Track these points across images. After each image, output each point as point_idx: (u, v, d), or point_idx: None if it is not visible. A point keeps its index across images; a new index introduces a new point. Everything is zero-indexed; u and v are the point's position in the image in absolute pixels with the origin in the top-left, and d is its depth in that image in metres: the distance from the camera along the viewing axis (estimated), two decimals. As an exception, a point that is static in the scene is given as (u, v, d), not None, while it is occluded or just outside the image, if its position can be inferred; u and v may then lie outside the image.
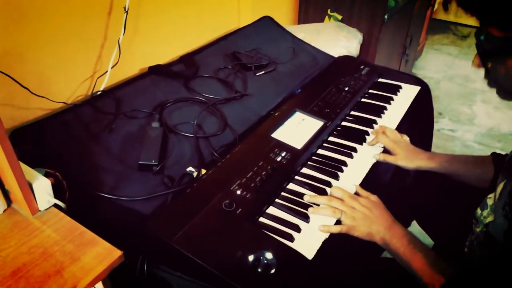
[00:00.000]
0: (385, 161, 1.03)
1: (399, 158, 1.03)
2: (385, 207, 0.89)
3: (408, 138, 1.11)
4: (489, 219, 0.78)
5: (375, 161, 1.04)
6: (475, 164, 1.00)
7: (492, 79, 0.74)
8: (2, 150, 0.64)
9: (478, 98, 2.74)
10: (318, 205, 0.88)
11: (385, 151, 1.06)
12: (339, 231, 0.84)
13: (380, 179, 0.98)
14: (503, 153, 0.99)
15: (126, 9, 1.11)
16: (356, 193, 0.92)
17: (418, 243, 0.80)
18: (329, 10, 1.89)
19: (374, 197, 0.90)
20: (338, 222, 0.86)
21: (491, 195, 0.81)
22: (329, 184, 0.94)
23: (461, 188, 1.01)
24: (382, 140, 1.06)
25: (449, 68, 3.11)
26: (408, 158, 1.02)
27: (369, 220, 0.84)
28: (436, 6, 3.23)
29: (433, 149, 1.57)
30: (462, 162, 1.01)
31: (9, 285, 0.62)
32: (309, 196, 0.90)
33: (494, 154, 1.00)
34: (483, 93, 2.79)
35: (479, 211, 0.82)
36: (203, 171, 0.94)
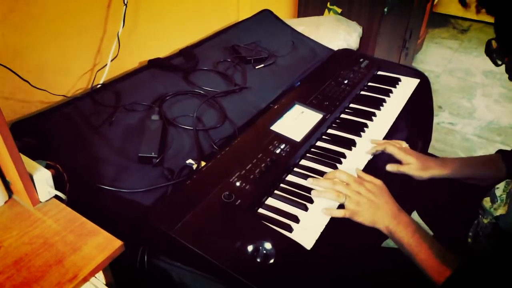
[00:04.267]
0: (399, 171, 0.99)
1: (413, 168, 0.98)
2: (390, 194, 0.87)
3: (407, 145, 1.07)
4: (500, 211, 0.76)
5: (374, 152, 1.04)
6: (487, 165, 0.97)
7: None
8: (4, 142, 0.64)
9: (478, 92, 2.74)
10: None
11: (393, 159, 1.02)
12: (342, 216, 0.83)
13: (379, 171, 0.98)
14: (508, 148, 0.99)
15: (125, 2, 1.11)
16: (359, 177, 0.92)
17: (423, 233, 0.78)
18: (328, 3, 1.88)
19: (378, 182, 0.88)
20: (341, 206, 0.85)
21: (500, 185, 0.80)
22: (328, 176, 0.95)
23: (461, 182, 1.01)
24: (390, 149, 1.01)
25: (449, 62, 3.10)
26: (422, 168, 0.97)
27: (374, 207, 0.83)
28: (436, 0, 3.22)
29: (433, 142, 1.57)
30: (474, 165, 0.98)
31: (12, 274, 0.63)
32: (312, 179, 0.89)
33: (501, 151, 0.98)
34: (483, 86, 2.79)
35: (487, 202, 0.81)
36: (203, 163, 0.94)
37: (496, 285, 0.67)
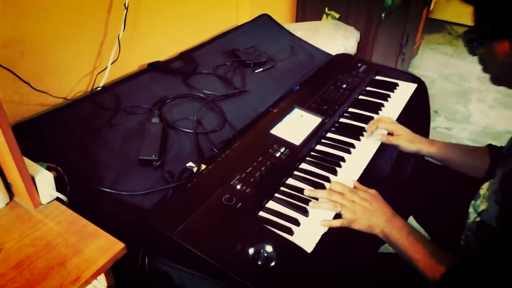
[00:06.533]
0: (388, 141, 1.06)
1: (401, 138, 1.05)
2: (384, 200, 0.90)
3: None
4: (482, 207, 0.79)
5: (372, 156, 1.05)
6: (472, 154, 1.02)
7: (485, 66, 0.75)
8: (6, 143, 0.64)
9: (474, 97, 2.77)
10: (318, 199, 0.89)
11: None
12: (340, 225, 0.85)
13: (377, 175, 1.00)
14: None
15: (126, 6, 1.12)
16: (355, 188, 0.93)
17: (417, 234, 0.82)
18: (326, 8, 1.90)
19: (372, 191, 0.91)
20: (338, 215, 0.87)
21: (484, 186, 0.83)
22: (327, 179, 0.96)
23: (458, 183, 1.02)
24: (382, 125, 1.09)
25: (444, 67, 3.13)
26: (410, 140, 1.05)
27: (369, 213, 0.85)
28: (432, 6, 3.25)
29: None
30: (460, 150, 1.04)
31: (14, 276, 0.63)
32: (309, 190, 0.91)
33: (490, 145, 1.01)
34: (478, 92, 2.82)
35: (473, 202, 0.84)
36: (203, 166, 0.95)
37: (488, 281, 0.69)
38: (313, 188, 0.92)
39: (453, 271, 0.73)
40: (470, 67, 3.09)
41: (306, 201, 0.89)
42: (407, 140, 1.05)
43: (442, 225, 1.09)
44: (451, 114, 2.60)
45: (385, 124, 1.09)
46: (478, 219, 0.80)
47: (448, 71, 3.08)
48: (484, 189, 0.83)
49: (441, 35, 3.64)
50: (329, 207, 0.87)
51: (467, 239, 0.84)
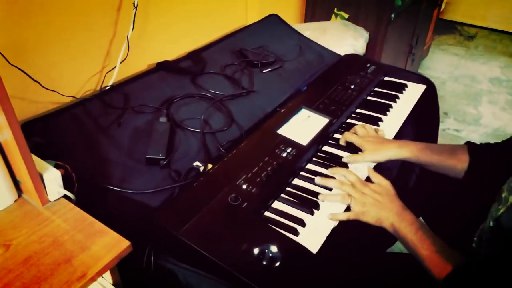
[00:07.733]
0: (355, 161, 1.00)
1: (366, 154, 0.99)
2: (396, 193, 0.89)
3: (382, 131, 1.09)
4: (502, 210, 0.78)
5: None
6: (449, 154, 0.97)
7: None
8: (15, 141, 0.65)
9: (484, 99, 2.74)
10: (329, 189, 0.89)
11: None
12: (347, 218, 0.84)
13: (385, 176, 0.99)
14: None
15: (135, 5, 1.12)
16: (368, 178, 0.93)
17: (427, 231, 0.81)
18: (335, 8, 1.89)
19: (386, 182, 0.90)
20: (348, 209, 0.86)
21: (504, 187, 0.81)
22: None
23: (467, 185, 1.01)
24: (349, 138, 1.04)
25: (455, 69, 3.10)
26: (376, 150, 0.98)
27: (379, 206, 0.85)
28: (443, 6, 3.22)
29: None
30: (436, 151, 0.97)
31: (21, 272, 0.64)
32: (320, 178, 0.90)
33: (469, 143, 0.98)
34: (489, 93, 2.79)
35: (494, 207, 0.82)
36: (210, 166, 0.95)
37: (496, 283, 0.68)
38: (324, 177, 0.91)
39: (459, 271, 0.72)
40: (481, 68, 3.06)
41: (312, 202, 0.88)
42: (372, 153, 0.98)
43: (450, 228, 1.08)
44: (461, 116, 2.58)
45: (352, 138, 1.03)
46: (492, 224, 0.79)
47: (458, 72, 3.05)
48: (504, 191, 0.81)
49: (452, 36, 3.60)
50: (338, 199, 0.86)
51: (480, 244, 0.83)
